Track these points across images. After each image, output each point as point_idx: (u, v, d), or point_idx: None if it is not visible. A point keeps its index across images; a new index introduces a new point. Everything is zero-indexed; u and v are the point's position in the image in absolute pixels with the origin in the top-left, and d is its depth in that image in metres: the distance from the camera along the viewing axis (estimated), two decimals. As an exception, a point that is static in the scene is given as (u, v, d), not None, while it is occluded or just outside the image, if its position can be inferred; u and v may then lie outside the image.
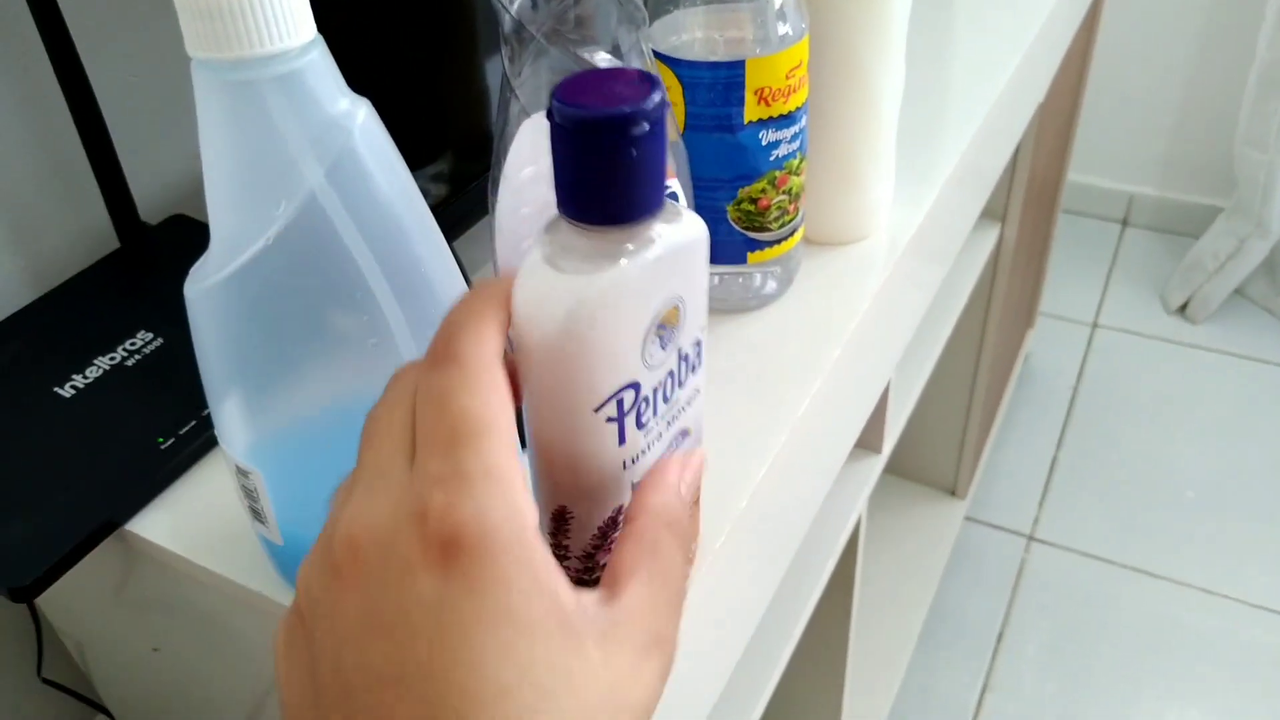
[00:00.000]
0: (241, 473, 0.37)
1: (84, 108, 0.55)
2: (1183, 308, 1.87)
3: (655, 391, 0.30)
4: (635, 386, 0.29)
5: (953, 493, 1.42)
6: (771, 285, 0.54)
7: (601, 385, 0.28)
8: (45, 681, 0.60)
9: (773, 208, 0.50)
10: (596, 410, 0.29)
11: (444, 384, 0.25)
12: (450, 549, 0.22)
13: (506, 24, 0.40)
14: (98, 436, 0.47)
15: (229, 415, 0.36)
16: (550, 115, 0.26)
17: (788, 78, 0.47)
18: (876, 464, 0.78)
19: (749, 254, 0.52)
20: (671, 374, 0.31)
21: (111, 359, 0.51)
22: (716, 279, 0.53)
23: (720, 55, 0.46)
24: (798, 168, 0.50)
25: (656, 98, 0.26)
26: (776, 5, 0.46)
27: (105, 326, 0.53)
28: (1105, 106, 1.97)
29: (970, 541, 1.49)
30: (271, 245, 0.31)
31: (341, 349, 0.34)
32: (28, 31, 0.53)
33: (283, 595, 0.41)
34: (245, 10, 0.29)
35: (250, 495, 0.38)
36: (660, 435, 0.32)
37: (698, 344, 0.32)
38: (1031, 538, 1.49)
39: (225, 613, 0.46)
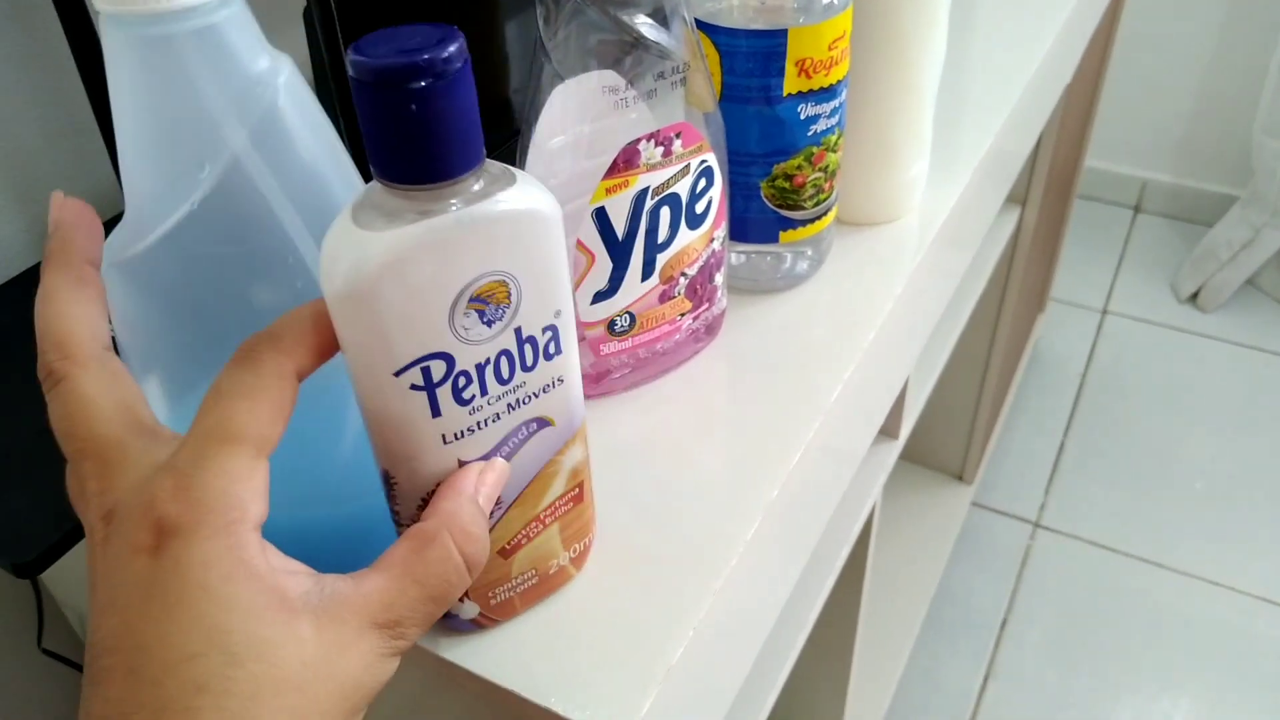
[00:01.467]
0: None
1: (92, 66, 0.53)
2: (1194, 296, 1.86)
3: (480, 369, 0.30)
4: (446, 358, 0.29)
5: (960, 478, 1.41)
6: (803, 266, 0.52)
7: (398, 350, 0.28)
8: (45, 652, 0.58)
9: (808, 185, 0.48)
10: (397, 375, 0.29)
11: (227, 384, 0.27)
12: (164, 533, 0.25)
13: None
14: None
15: (153, 394, 0.34)
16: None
17: (830, 49, 0.45)
18: (893, 450, 0.77)
19: (781, 233, 0.50)
20: (508, 354, 0.31)
21: (118, 326, 0.49)
22: (745, 257, 0.52)
23: (761, 23, 0.44)
24: (835, 144, 0.48)
25: (443, 53, 0.25)
26: (821, -27, 0.44)
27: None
28: (1121, 90, 1.94)
29: (977, 527, 1.48)
30: (195, 213, 0.29)
31: (273, 318, 0.32)
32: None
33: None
34: None
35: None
36: (498, 416, 0.32)
37: (551, 329, 0.31)
38: (1038, 525, 1.48)
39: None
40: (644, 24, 0.38)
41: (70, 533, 0.41)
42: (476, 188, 0.28)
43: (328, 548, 0.38)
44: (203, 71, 0.28)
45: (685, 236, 0.44)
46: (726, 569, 0.39)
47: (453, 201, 0.27)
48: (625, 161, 0.40)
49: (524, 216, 0.29)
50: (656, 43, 0.38)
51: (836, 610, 0.84)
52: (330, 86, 0.43)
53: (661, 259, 0.44)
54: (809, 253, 0.52)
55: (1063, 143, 1.19)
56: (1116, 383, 1.71)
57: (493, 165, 0.29)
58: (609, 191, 0.40)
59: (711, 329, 0.49)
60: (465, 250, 0.28)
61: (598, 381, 0.47)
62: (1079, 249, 1.95)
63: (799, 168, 0.48)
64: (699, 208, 0.43)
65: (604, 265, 0.42)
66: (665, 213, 0.42)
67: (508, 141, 0.54)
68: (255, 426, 0.27)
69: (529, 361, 0.32)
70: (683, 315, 0.46)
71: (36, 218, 0.58)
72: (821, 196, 0.49)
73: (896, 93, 0.51)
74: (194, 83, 0.28)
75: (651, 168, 0.41)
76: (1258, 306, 1.83)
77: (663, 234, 0.43)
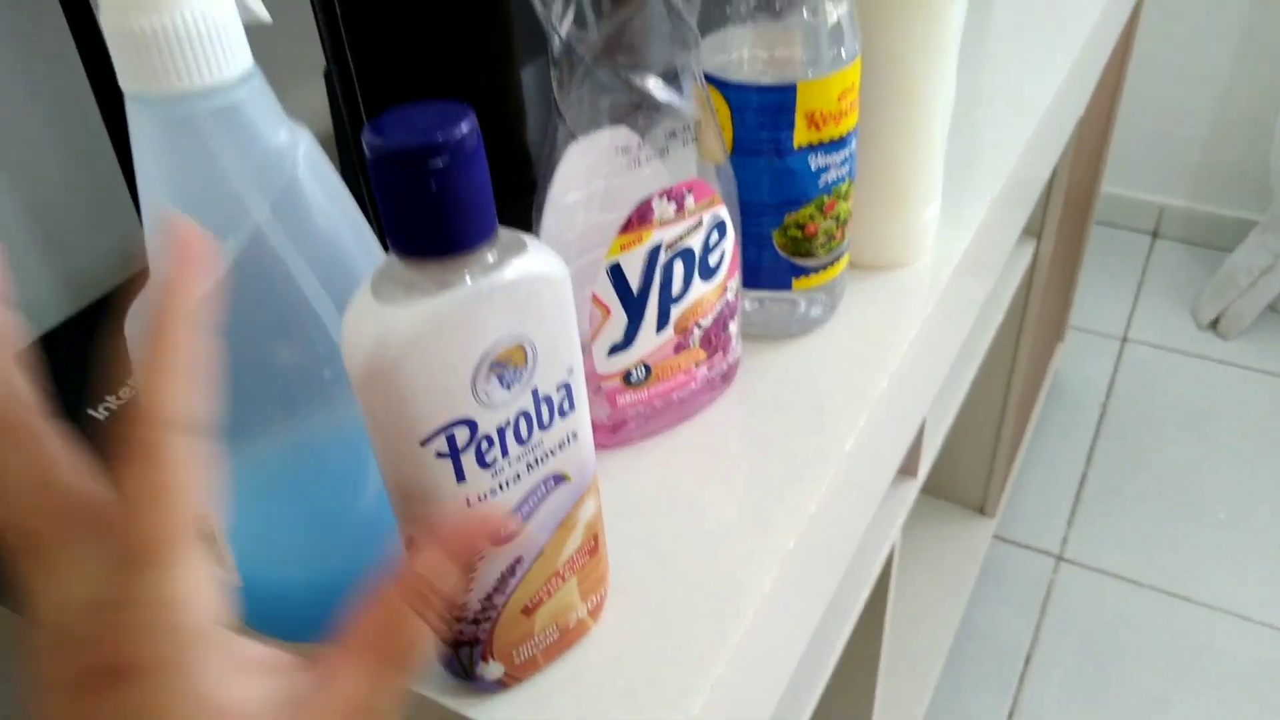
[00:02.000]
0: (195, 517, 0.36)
1: (119, 121, 0.54)
2: (1214, 323, 1.85)
3: (501, 431, 0.31)
4: (470, 424, 0.30)
5: (981, 510, 1.40)
6: (816, 311, 0.53)
7: (423, 419, 0.29)
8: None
9: (820, 233, 0.49)
10: (424, 444, 0.29)
11: (131, 490, 0.23)
12: (114, 677, 0.22)
13: (555, 46, 0.39)
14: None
15: None
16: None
17: (839, 100, 0.45)
18: (912, 489, 0.77)
19: (794, 280, 0.50)
20: (526, 415, 0.31)
21: (144, 380, 0.50)
22: (759, 304, 0.52)
23: (770, 78, 0.45)
24: (846, 193, 0.49)
25: (457, 132, 0.26)
26: (830, 26, 0.44)
27: (138, 346, 0.52)
28: (1137, 116, 1.94)
29: (999, 560, 1.47)
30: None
31: (295, 384, 0.33)
32: (63, 41, 0.52)
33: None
34: (180, 42, 0.27)
35: (205, 539, 0.36)
36: (519, 477, 0.32)
37: (564, 386, 0.32)
38: (1060, 557, 1.47)
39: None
40: (655, 85, 0.39)
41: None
42: (491, 258, 0.29)
43: (344, 599, 0.38)
44: (225, 148, 0.29)
45: (699, 288, 0.44)
46: (744, 621, 0.39)
47: (469, 272, 0.28)
48: (639, 218, 0.41)
49: (538, 281, 0.30)
50: (667, 103, 0.39)
51: (858, 651, 0.83)
52: (351, 147, 0.44)
53: (676, 311, 0.44)
54: (823, 298, 0.52)
55: (1078, 171, 1.19)
56: (1138, 411, 1.70)
57: (504, 233, 0.30)
58: (624, 248, 0.41)
59: (727, 377, 0.49)
60: (485, 318, 0.29)
61: (614, 432, 0.47)
62: (1097, 275, 1.95)
63: (811, 217, 0.48)
64: (712, 260, 0.44)
65: (619, 319, 0.43)
66: (679, 266, 0.43)
67: (526, 195, 0.55)
68: (184, 534, 0.25)
69: (545, 420, 0.32)
70: (698, 365, 0.47)
71: (65, 270, 0.59)
72: (834, 244, 0.50)
73: (906, 140, 0.52)
74: (217, 158, 0.29)
75: (665, 223, 0.41)
76: (1279, 332, 1.82)
77: (677, 287, 0.44)
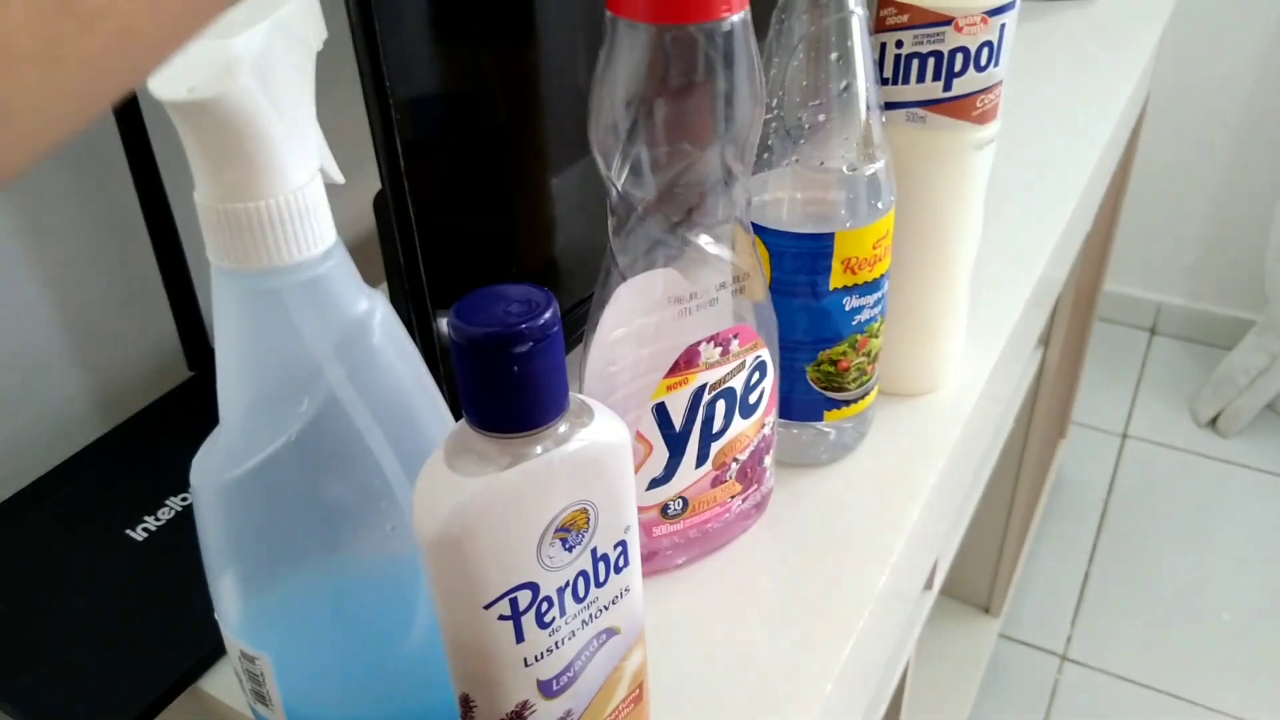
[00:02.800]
0: (247, 658, 0.36)
1: (162, 231, 0.56)
2: (1213, 421, 1.86)
3: (561, 592, 0.31)
4: (532, 587, 0.30)
5: (987, 610, 1.40)
6: (847, 439, 0.54)
7: (489, 585, 0.30)
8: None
9: (852, 369, 0.50)
10: (487, 608, 0.30)
11: None
12: None
13: (613, 196, 0.40)
14: (171, 583, 0.47)
15: (233, 601, 0.36)
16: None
17: (874, 248, 0.47)
18: (928, 600, 0.77)
19: (825, 412, 0.52)
20: (584, 574, 0.32)
21: (184, 499, 0.50)
22: (791, 433, 0.53)
23: (809, 227, 0.46)
24: (878, 331, 0.50)
25: (541, 320, 0.27)
26: (867, 178, 0.46)
27: (178, 463, 0.53)
28: (1134, 216, 1.98)
29: (1004, 660, 1.46)
30: (293, 442, 0.31)
31: (356, 536, 0.34)
32: (111, 146, 0.54)
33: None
34: (272, 224, 0.29)
35: (255, 680, 0.37)
36: (574, 634, 0.33)
37: (621, 545, 0.33)
38: (1065, 658, 1.46)
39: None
40: (706, 241, 0.40)
41: (141, 715, 0.42)
42: (562, 429, 0.30)
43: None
44: (307, 317, 0.30)
45: (738, 426, 0.45)
46: (784, 768, 0.39)
47: (541, 444, 0.29)
48: (686, 362, 0.42)
49: (604, 450, 0.31)
50: (718, 257, 0.40)
51: (871, 763, 0.83)
52: (402, 281, 0.46)
53: (715, 447, 0.45)
54: (852, 428, 0.53)
55: (1082, 277, 1.22)
56: (1139, 509, 1.70)
57: (572, 400, 0.31)
58: (669, 389, 0.42)
59: (760, 506, 0.50)
60: (553, 487, 0.30)
61: (647, 561, 0.48)
62: (1097, 371, 1.97)
63: (844, 354, 0.49)
64: (752, 399, 0.45)
65: (660, 455, 0.44)
66: (721, 406, 0.44)
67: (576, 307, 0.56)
68: None
69: (602, 578, 0.33)
70: (733, 497, 0.48)
71: (100, 384, 0.60)
72: (865, 379, 0.51)
73: (935, 280, 0.53)
74: (298, 328, 0.30)
75: (710, 366, 0.43)
76: (1278, 431, 1.84)
77: (718, 425, 0.45)
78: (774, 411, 0.47)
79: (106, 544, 0.49)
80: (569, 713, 0.34)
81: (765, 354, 0.45)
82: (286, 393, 0.31)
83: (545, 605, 0.31)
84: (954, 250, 0.53)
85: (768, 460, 0.49)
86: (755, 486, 0.49)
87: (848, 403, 0.52)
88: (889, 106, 0.49)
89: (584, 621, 0.33)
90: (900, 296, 0.53)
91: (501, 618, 0.30)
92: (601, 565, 0.33)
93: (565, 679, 0.33)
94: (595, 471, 0.31)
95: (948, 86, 0.48)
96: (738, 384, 0.44)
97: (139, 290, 0.61)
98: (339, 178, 0.35)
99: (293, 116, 0.28)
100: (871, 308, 0.49)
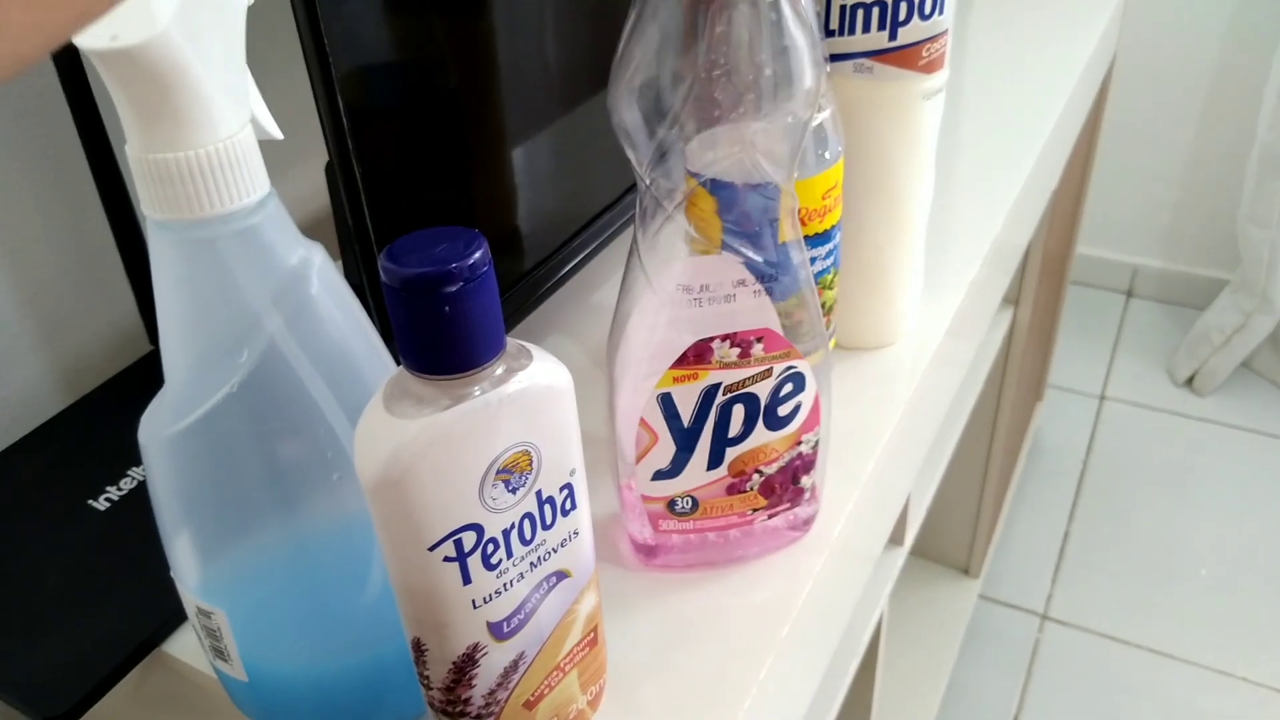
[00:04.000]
0: (203, 613, 0.37)
1: (118, 208, 0.56)
2: (1190, 380, 1.88)
3: (506, 534, 0.32)
4: (477, 529, 0.31)
5: (966, 571, 1.41)
6: (803, 394, 0.54)
7: (432, 526, 0.30)
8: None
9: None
10: (431, 549, 0.30)
11: None
12: None
13: (642, 189, 0.39)
14: (133, 551, 0.47)
15: (187, 557, 0.36)
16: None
17: (824, 199, 0.47)
18: (899, 557, 0.78)
19: (782, 365, 0.52)
20: (530, 516, 0.33)
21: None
22: (748, 388, 0.53)
23: (756, 177, 0.46)
24: (831, 282, 0.51)
25: (471, 260, 0.27)
26: (813, 128, 0.46)
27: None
28: (1108, 178, 1.99)
29: (984, 621, 1.47)
30: (234, 393, 0.32)
31: (304, 486, 0.35)
32: (63, 129, 0.54)
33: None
34: (203, 174, 0.29)
35: (213, 635, 0.37)
36: (522, 576, 0.33)
37: (567, 488, 0.33)
38: (1045, 616, 1.48)
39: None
40: (738, 241, 0.39)
41: (103, 681, 0.42)
42: (500, 371, 0.30)
43: (349, 691, 0.39)
44: (243, 268, 0.31)
45: (762, 436, 0.43)
46: (741, 710, 0.40)
47: (479, 386, 0.29)
48: (695, 356, 0.40)
49: (543, 392, 0.31)
50: (751, 259, 0.39)
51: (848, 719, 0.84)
52: (353, 244, 0.46)
53: (731, 453, 0.43)
54: (809, 382, 0.54)
55: (1053, 238, 1.22)
56: (1117, 469, 1.72)
57: (510, 344, 0.31)
58: (676, 380, 0.41)
59: (798, 527, 0.48)
60: (493, 428, 0.30)
61: (651, 555, 0.47)
62: (1074, 335, 1.98)
63: (796, 307, 0.50)
64: (782, 411, 0.43)
65: (666, 447, 0.43)
66: (739, 410, 0.42)
67: (518, 283, 0.56)
68: None
69: (548, 520, 0.33)
70: (755, 510, 0.46)
71: (60, 359, 0.60)
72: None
73: (887, 233, 0.54)
74: (235, 278, 0.30)
75: (725, 365, 0.41)
76: (1254, 389, 1.85)
77: (734, 429, 0.43)
78: (815, 430, 0.45)
79: (69, 514, 0.49)
80: (522, 655, 0.35)
81: (804, 367, 0.42)
82: (226, 344, 0.31)
83: (491, 547, 0.32)
84: (906, 201, 0.53)
85: (806, 481, 0.46)
86: (788, 505, 0.46)
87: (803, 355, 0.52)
88: (836, 58, 0.49)
89: (532, 564, 0.34)
90: (854, 249, 0.54)
91: (447, 559, 0.31)
92: (547, 508, 0.33)
93: (516, 621, 0.34)
94: (536, 414, 0.31)
95: (893, 35, 0.48)
96: (762, 391, 0.42)
97: (97, 266, 0.61)
98: (276, 133, 0.35)
99: (220, 65, 0.28)
100: (823, 259, 0.49)
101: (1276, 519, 1.60)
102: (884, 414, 0.54)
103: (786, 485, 0.45)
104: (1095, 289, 2.15)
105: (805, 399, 0.43)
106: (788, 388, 0.42)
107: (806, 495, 0.46)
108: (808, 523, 0.48)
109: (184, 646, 0.44)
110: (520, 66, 0.54)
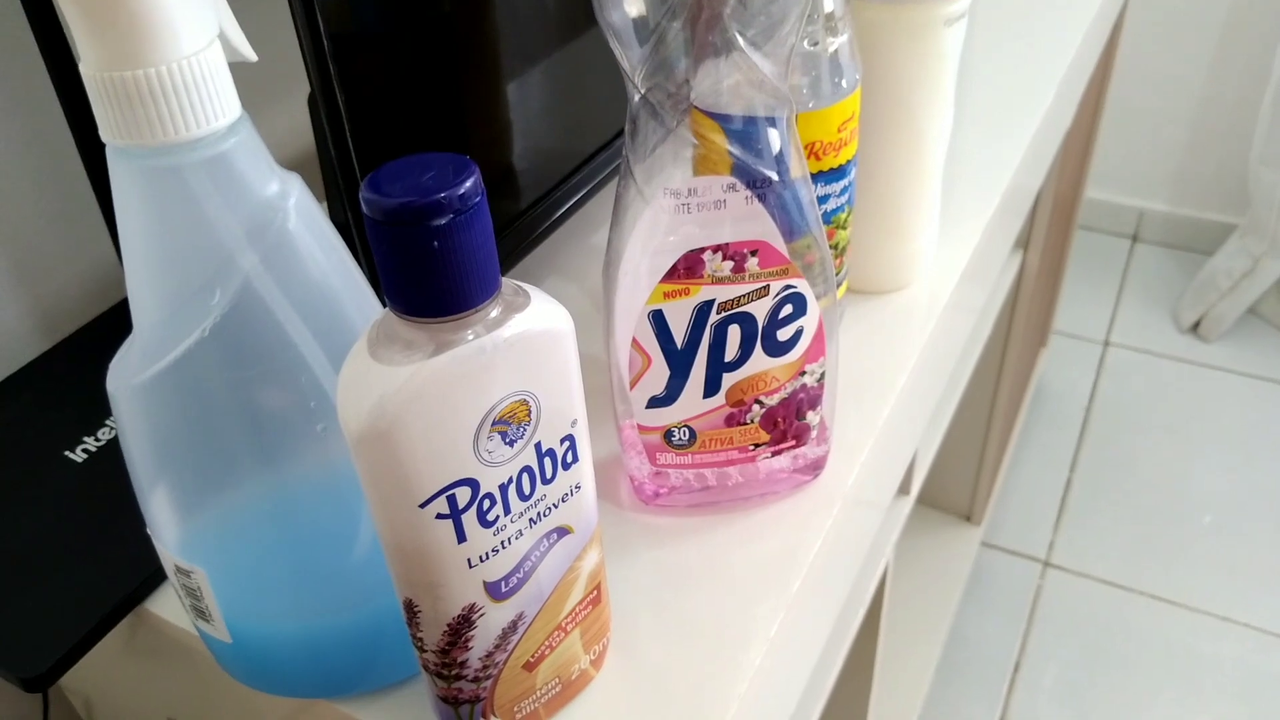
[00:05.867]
0: (182, 572, 0.35)
1: (93, 148, 0.53)
2: (1195, 326, 1.85)
3: (504, 488, 0.30)
4: (471, 483, 0.29)
5: (968, 518, 1.40)
6: (814, 339, 0.52)
7: (423, 482, 0.28)
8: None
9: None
10: (423, 506, 0.28)
11: None
12: None
13: (633, 100, 0.36)
14: (112, 504, 0.45)
15: (164, 514, 0.34)
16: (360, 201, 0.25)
17: (839, 131, 0.44)
18: (905, 505, 0.76)
19: (792, 309, 0.49)
20: (529, 470, 0.30)
21: (125, 418, 0.48)
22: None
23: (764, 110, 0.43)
24: (845, 221, 0.48)
25: (461, 189, 0.25)
26: (829, 55, 0.43)
27: (118, 382, 0.51)
28: (1116, 121, 1.95)
29: (986, 567, 1.47)
30: (207, 337, 0.29)
31: (286, 437, 0.32)
32: (36, 69, 0.51)
33: (311, 684, 0.39)
34: (165, 94, 0.26)
35: (193, 594, 0.35)
36: (521, 533, 0.31)
37: (569, 439, 0.31)
38: (1047, 563, 1.47)
39: (246, 694, 0.44)
40: (739, 149, 0.36)
41: (83, 640, 0.40)
42: (494, 314, 0.27)
43: (338, 652, 0.37)
44: (213, 200, 0.28)
45: (761, 362, 0.41)
46: (750, 667, 0.38)
47: (471, 330, 0.27)
48: (686, 269, 0.38)
49: (542, 336, 0.29)
50: (756, 167, 0.37)
51: (853, 669, 0.83)
52: (338, 181, 0.43)
53: (729, 379, 0.41)
54: (820, 326, 0.51)
55: (1063, 181, 1.19)
56: (1121, 416, 1.70)
57: (506, 285, 0.29)
58: (667, 296, 0.38)
59: (807, 469, 0.45)
60: (487, 376, 0.28)
61: (655, 498, 0.45)
62: (1078, 280, 1.95)
63: (809, 247, 0.47)
64: (781, 335, 0.40)
65: (660, 370, 0.40)
66: (734, 331, 0.40)
67: (515, 221, 0.53)
68: None
69: (549, 474, 0.31)
70: (757, 446, 0.43)
71: (38, 302, 0.57)
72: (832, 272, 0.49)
73: (905, 168, 0.51)
74: (204, 211, 0.28)
75: (718, 280, 0.38)
76: (1260, 335, 1.83)
77: (731, 353, 0.40)
78: (820, 360, 0.42)
79: (46, 466, 0.47)
80: (521, 615, 0.33)
81: (802, 285, 0.39)
82: (197, 284, 0.29)
83: (487, 503, 0.30)
84: (925, 135, 0.50)
85: (813, 417, 0.43)
86: (794, 443, 0.44)
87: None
88: (853, -20, 0.46)
89: (531, 520, 0.31)
90: (870, 186, 0.51)
91: (440, 516, 0.29)
92: (547, 461, 0.31)
93: (515, 580, 0.32)
94: (534, 360, 0.29)
95: (914, -44, 0.45)
96: (758, 312, 0.39)
97: (74, 208, 0.58)
98: (249, 54, 0.32)
99: (180, -28, 0.26)
100: (838, 196, 0.47)
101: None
102: (899, 359, 0.52)
103: (790, 420, 0.43)
104: (1101, 233, 2.12)
105: (807, 324, 0.40)
106: (787, 309, 0.40)
107: (814, 434, 0.44)
108: (817, 467, 0.46)
109: (167, 605, 0.42)
110: (515, -8, 0.50)
